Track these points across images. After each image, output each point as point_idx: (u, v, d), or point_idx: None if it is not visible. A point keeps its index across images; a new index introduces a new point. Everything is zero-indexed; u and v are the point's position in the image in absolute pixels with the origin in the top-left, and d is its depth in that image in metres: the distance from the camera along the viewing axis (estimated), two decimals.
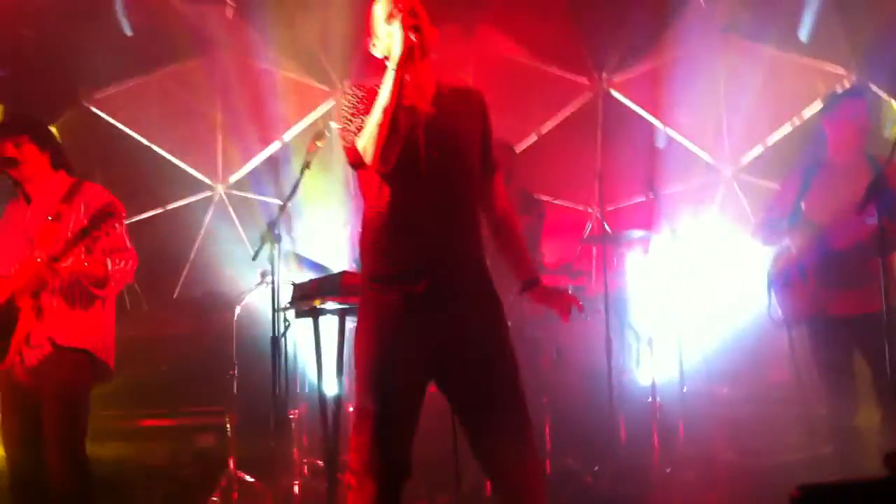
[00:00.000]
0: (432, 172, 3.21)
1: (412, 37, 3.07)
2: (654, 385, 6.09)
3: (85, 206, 4.35)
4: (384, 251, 3.24)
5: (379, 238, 3.26)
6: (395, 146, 3.13)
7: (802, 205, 5.02)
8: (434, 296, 3.19)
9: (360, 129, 3.20)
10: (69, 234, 4.23)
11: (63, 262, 4.14)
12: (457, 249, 3.26)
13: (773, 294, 5.11)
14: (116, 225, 4.21)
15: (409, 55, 3.08)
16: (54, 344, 4.23)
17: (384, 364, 3.22)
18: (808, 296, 4.90)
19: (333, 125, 5.16)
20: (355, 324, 3.40)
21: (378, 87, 3.14)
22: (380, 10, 3.29)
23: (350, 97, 3.31)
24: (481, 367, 3.22)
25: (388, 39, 3.19)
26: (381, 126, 3.09)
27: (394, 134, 3.10)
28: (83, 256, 4.22)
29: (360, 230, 3.38)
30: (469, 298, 3.27)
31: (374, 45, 3.34)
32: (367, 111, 3.18)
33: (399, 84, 3.07)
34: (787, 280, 5.01)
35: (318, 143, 5.01)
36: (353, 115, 3.26)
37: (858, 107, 5.02)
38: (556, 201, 8.63)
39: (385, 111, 3.08)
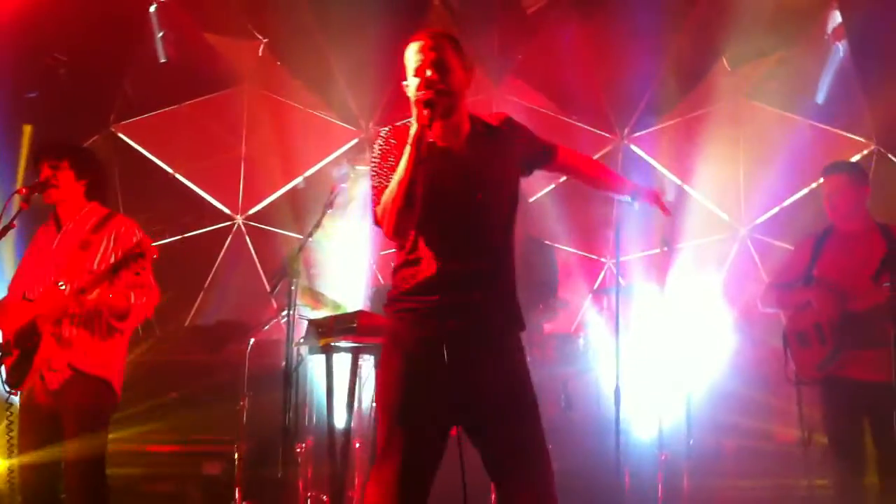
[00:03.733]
0: (465, 213, 3.22)
1: (425, 113, 3.08)
2: (661, 437, 6.10)
3: (114, 238, 4.39)
4: (415, 290, 3.24)
5: (410, 277, 3.26)
6: (409, 219, 3.14)
7: (816, 268, 5.06)
8: (463, 336, 3.18)
9: (382, 190, 3.20)
10: (95, 265, 4.29)
11: (89, 295, 4.19)
12: (490, 289, 3.24)
13: (788, 352, 5.12)
14: (146, 266, 4.26)
15: (424, 130, 3.09)
16: (75, 369, 4.26)
17: (410, 404, 3.19)
18: (824, 356, 4.92)
19: (358, 167, 5.27)
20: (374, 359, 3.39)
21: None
22: (410, 57, 3.27)
23: (381, 142, 3.32)
24: (507, 414, 3.19)
25: (414, 89, 3.20)
26: (395, 199, 3.10)
27: (408, 207, 3.10)
28: (108, 288, 4.27)
29: (393, 266, 3.38)
30: (498, 342, 3.25)
31: (407, 86, 3.30)
32: (395, 161, 3.18)
33: (415, 159, 3.08)
34: (804, 340, 5.03)
35: (342, 185, 5.07)
36: (380, 164, 3.27)
37: (834, 184, 5.09)
38: (571, 249, 8.71)
39: (400, 184, 3.08)
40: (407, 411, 3.19)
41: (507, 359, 3.26)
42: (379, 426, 3.26)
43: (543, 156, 3.51)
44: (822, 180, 5.28)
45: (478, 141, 3.31)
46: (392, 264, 3.44)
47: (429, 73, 3.18)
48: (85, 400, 4.27)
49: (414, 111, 3.13)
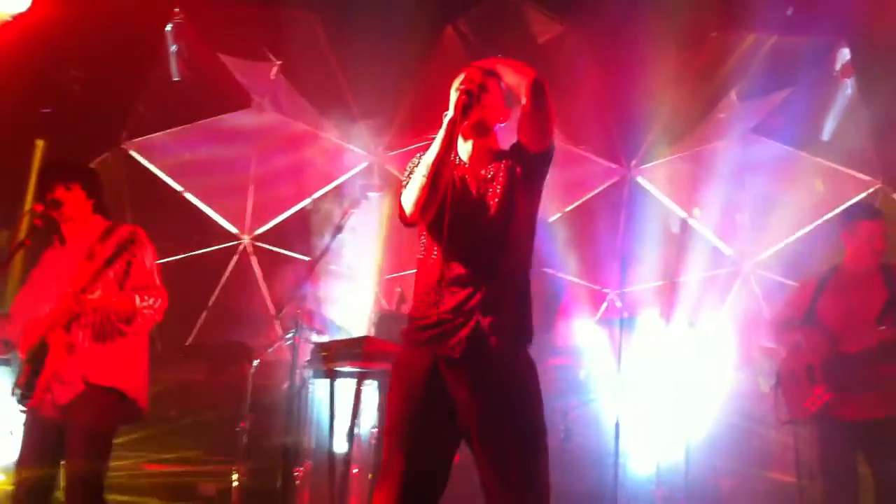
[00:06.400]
0: (476, 237, 3.27)
1: (464, 98, 3.22)
2: (658, 471, 6.09)
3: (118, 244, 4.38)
4: (426, 308, 3.28)
5: (422, 294, 3.31)
6: (433, 200, 3.23)
7: (817, 308, 5.11)
8: (467, 362, 3.20)
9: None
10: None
11: (90, 294, 4.18)
12: (498, 314, 3.25)
13: (779, 391, 5.16)
14: (137, 253, 4.27)
15: (461, 116, 3.22)
16: (87, 382, 4.24)
17: (410, 427, 3.22)
18: (815, 396, 4.95)
19: (370, 193, 5.30)
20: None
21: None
22: (459, 78, 3.39)
23: (416, 159, 3.40)
24: (506, 441, 3.19)
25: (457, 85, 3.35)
26: (424, 177, 3.21)
27: (434, 188, 3.21)
28: (113, 290, 4.27)
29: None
30: (504, 370, 3.24)
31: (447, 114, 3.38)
32: None
33: (448, 141, 3.21)
34: (795, 378, 5.07)
35: (352, 210, 5.07)
36: (410, 176, 3.36)
37: (875, 230, 5.10)
38: (573, 279, 8.72)
39: (430, 165, 3.21)
40: (406, 435, 3.22)
41: (511, 388, 3.25)
42: (383, 447, 3.32)
43: (520, 147, 3.38)
44: (856, 223, 5.17)
45: (498, 167, 3.36)
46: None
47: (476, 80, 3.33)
48: (92, 418, 4.24)
49: (452, 99, 3.28)
